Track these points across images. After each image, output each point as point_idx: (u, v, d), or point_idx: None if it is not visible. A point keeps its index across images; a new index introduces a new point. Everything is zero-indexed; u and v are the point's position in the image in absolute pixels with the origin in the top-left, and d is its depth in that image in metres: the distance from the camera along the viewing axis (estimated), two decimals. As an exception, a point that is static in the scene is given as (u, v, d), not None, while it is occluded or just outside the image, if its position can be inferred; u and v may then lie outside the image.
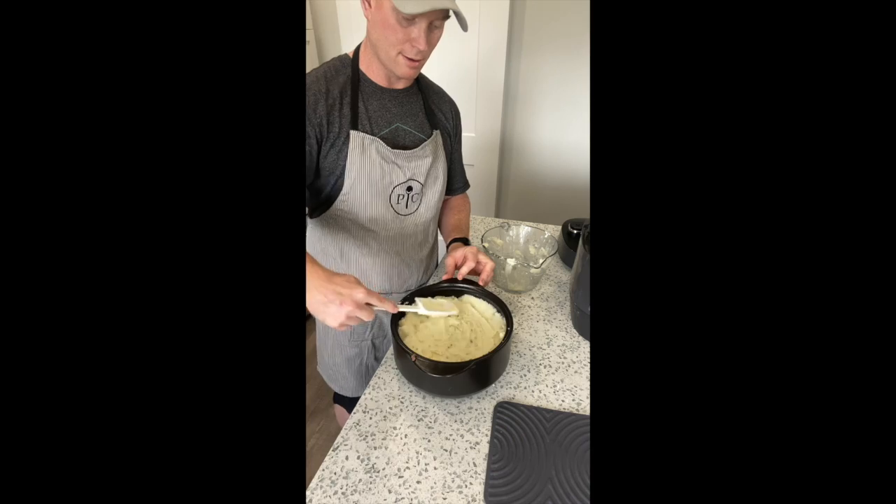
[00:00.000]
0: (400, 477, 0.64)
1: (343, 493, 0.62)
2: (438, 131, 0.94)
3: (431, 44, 0.77)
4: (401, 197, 0.89)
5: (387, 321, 1.03)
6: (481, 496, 0.62)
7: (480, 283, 0.90)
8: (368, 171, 0.83)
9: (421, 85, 0.94)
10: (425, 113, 0.93)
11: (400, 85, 0.87)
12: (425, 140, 0.91)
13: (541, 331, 0.93)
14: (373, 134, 0.83)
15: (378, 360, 1.07)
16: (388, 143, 0.85)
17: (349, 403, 1.18)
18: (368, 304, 0.66)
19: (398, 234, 0.94)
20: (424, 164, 0.90)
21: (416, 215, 0.94)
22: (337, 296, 0.63)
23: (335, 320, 0.64)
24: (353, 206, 0.87)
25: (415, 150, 0.88)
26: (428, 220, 0.98)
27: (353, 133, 0.81)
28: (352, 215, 0.88)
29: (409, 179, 0.88)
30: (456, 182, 1.08)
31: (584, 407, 0.76)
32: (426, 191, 0.93)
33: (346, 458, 0.67)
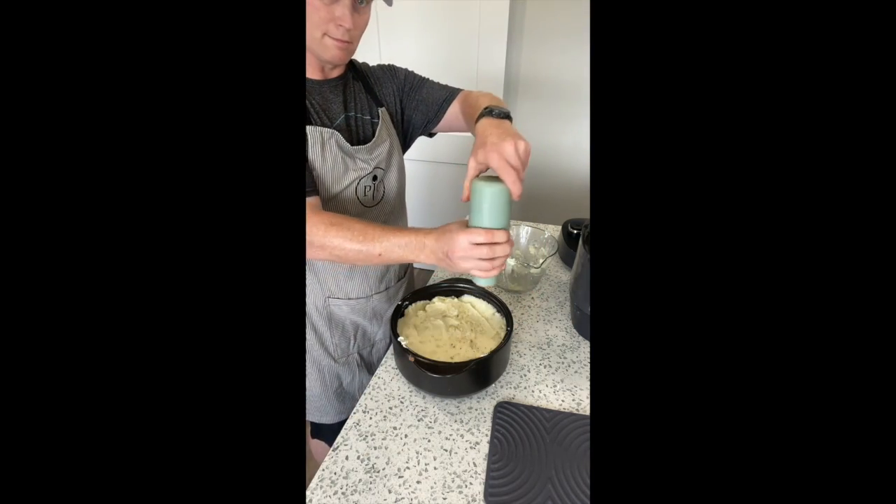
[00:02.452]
0: (400, 477, 0.64)
1: (343, 493, 0.62)
2: (384, 108, 0.91)
3: (358, 25, 0.74)
4: (367, 188, 0.88)
5: (378, 327, 0.98)
6: (481, 496, 0.62)
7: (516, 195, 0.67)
8: (331, 166, 0.81)
9: (358, 72, 0.90)
10: (366, 93, 0.90)
11: (335, 73, 0.85)
12: (376, 122, 0.89)
13: (541, 331, 0.93)
14: (327, 126, 0.81)
15: (371, 371, 1.01)
16: (345, 136, 0.82)
17: (329, 436, 1.07)
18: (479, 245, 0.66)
19: None
20: (384, 148, 0.88)
21: (383, 204, 0.92)
22: (445, 259, 0.65)
23: (467, 264, 0.65)
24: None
25: (374, 140, 0.86)
26: (393, 205, 0.94)
27: (309, 129, 0.78)
28: None
29: (375, 168, 0.87)
30: (442, 94, 0.94)
31: (584, 407, 0.76)
32: (387, 174, 0.91)
33: (346, 458, 0.67)
